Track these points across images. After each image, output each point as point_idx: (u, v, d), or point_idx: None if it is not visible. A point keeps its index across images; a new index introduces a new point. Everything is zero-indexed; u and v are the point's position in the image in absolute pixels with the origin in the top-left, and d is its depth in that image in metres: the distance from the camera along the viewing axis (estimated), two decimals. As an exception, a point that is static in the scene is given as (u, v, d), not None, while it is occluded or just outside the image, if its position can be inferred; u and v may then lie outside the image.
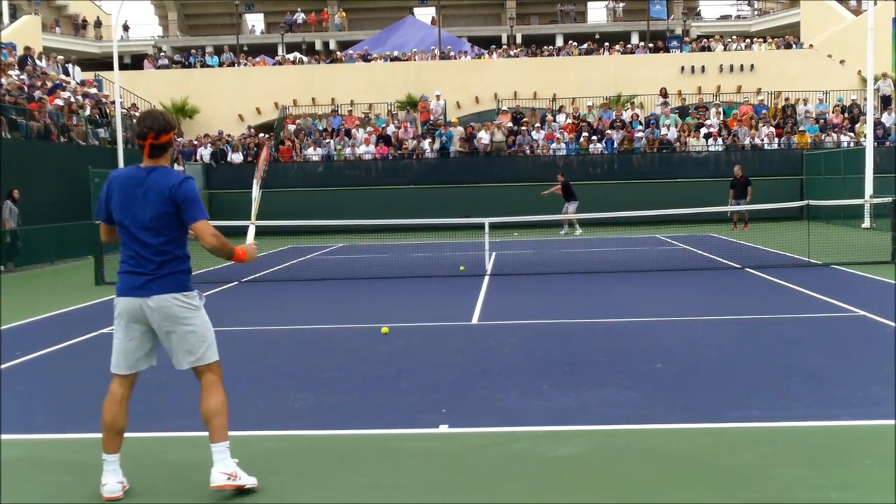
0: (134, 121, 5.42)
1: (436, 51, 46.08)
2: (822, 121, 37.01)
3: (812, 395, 7.71)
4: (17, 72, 29.71)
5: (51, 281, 20.21)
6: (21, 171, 23.53)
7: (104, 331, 12.26)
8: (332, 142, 36.68)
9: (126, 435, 7.03)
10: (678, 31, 56.17)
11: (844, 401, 7.45)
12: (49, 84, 30.50)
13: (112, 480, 5.53)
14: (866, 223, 26.81)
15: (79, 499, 5.67)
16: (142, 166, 5.52)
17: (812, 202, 22.23)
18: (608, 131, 36.00)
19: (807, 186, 33.24)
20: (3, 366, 9.99)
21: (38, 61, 33.05)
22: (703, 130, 36.31)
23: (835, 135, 35.85)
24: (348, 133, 37.17)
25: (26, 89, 27.71)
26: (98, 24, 59.34)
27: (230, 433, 5.58)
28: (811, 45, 44.80)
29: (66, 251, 24.37)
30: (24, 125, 24.90)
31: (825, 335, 10.76)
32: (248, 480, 5.50)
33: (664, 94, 39.19)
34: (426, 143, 35.80)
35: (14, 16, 47.82)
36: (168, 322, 5.48)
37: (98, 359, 10.39)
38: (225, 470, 5.44)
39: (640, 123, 36.92)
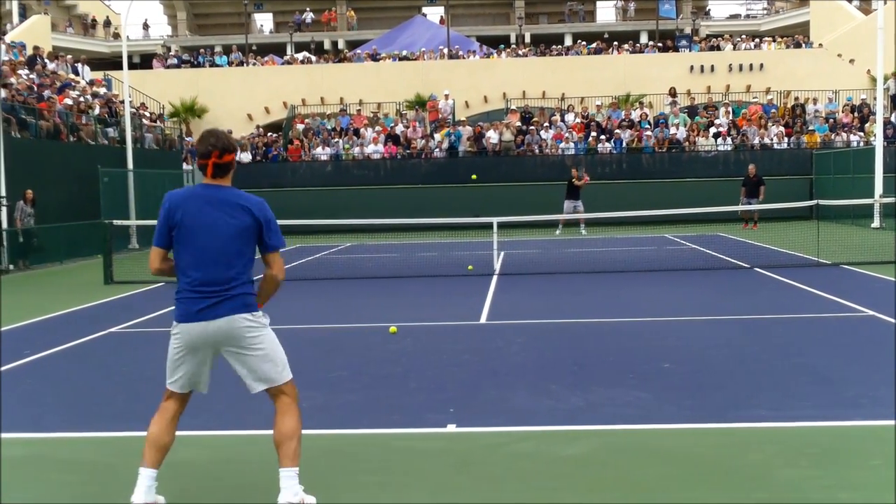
0: (196, 140, 5.43)
1: (444, 50, 46.08)
2: (831, 120, 36.92)
3: (821, 396, 7.69)
4: (27, 71, 29.77)
5: (60, 280, 20.25)
6: (31, 171, 23.59)
7: (112, 330, 12.30)
8: (340, 141, 36.69)
9: (129, 434, 7.07)
10: (687, 30, 56.10)
11: (853, 401, 7.43)
12: (58, 83, 30.56)
13: (142, 497, 5.22)
14: (876, 223, 26.74)
15: (86, 497, 5.68)
16: (206, 185, 5.37)
17: (821, 202, 22.14)
18: (617, 131, 35.95)
19: (816, 186, 33.14)
20: (13, 364, 10.02)
21: (47, 61, 33.12)
22: (713, 130, 36.25)
23: (844, 134, 35.75)
24: (357, 132, 37.17)
25: (36, 89, 27.77)
26: (107, 23, 59.44)
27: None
28: (821, 45, 44.68)
29: (76, 250, 24.42)
30: (34, 125, 24.96)
31: (834, 335, 10.73)
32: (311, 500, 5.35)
33: (673, 93, 39.13)
34: (436, 140, 35.77)
35: (24, 15, 47.91)
36: (236, 344, 5.30)
37: (106, 357, 10.44)
38: (294, 500, 5.25)
39: (649, 123, 36.86)
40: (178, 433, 7.04)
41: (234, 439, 6.96)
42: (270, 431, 7.06)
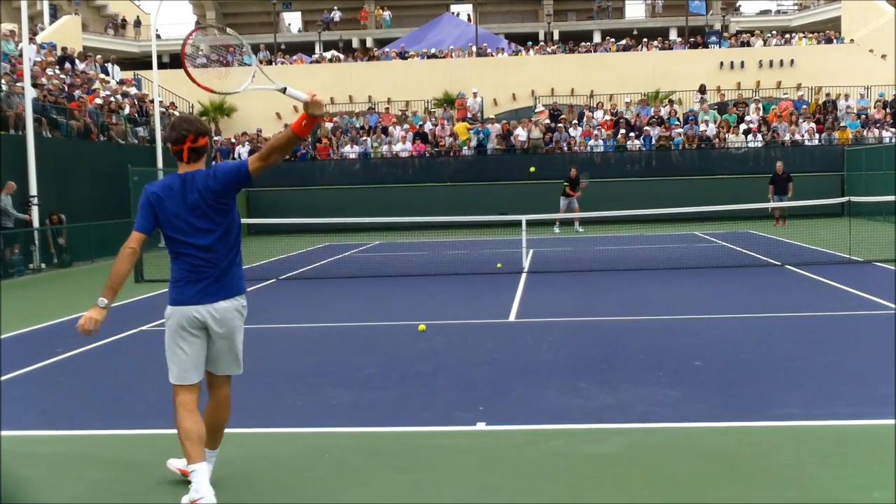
0: (167, 127, 5.34)
1: (473, 48, 46.05)
2: (863, 116, 36.60)
3: (853, 394, 7.62)
4: (57, 71, 30.02)
5: (91, 278, 20.38)
6: (61, 170, 23.80)
7: (144, 328, 12.38)
8: (368, 139, 36.75)
9: (163, 431, 7.10)
10: (717, 26, 55.79)
11: (886, 399, 7.36)
12: (89, 84, 30.80)
13: (208, 491, 5.20)
14: (909, 220, 26.48)
15: (120, 495, 5.72)
16: (182, 173, 5.49)
17: (853, 198, 21.94)
18: (646, 128, 35.80)
19: (848, 183, 32.87)
20: (47, 362, 10.12)
21: (77, 61, 33.38)
22: (743, 126, 36.03)
23: (876, 130, 35.43)
24: (385, 131, 37.22)
25: (66, 89, 27.99)
26: (138, 23, 59.78)
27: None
28: (852, 40, 44.32)
29: (106, 249, 24.56)
30: (65, 124, 25.16)
31: (867, 333, 10.63)
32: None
33: (703, 90, 38.92)
34: (455, 136, 35.75)
35: (54, 16, 48.27)
36: (228, 329, 5.49)
37: (138, 355, 10.51)
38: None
39: (679, 120, 36.70)
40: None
41: (266, 437, 6.98)
42: (300, 430, 7.10)
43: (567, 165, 32.48)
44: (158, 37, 43.87)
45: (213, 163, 5.32)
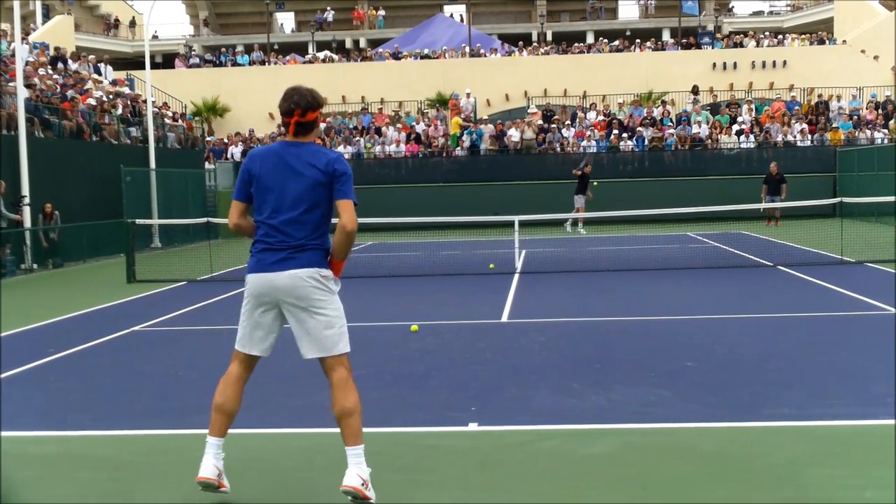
0: (281, 97, 5.24)
1: (466, 48, 46.10)
2: (855, 117, 36.69)
3: (846, 394, 7.63)
4: (50, 71, 29.95)
5: (83, 279, 20.36)
6: (54, 171, 23.73)
7: (136, 328, 12.36)
8: (362, 140, 36.75)
9: (154, 432, 7.09)
10: (710, 27, 55.89)
11: (879, 399, 7.37)
12: (81, 84, 30.72)
13: (210, 462, 5.28)
14: (900, 220, 26.53)
15: (112, 495, 5.71)
16: (287, 142, 5.38)
17: (845, 199, 21.99)
18: (639, 129, 35.84)
19: (840, 183, 32.94)
20: (38, 362, 10.09)
21: (69, 61, 33.31)
22: (735, 127, 36.09)
23: (868, 131, 35.52)
24: (378, 131, 37.22)
25: (59, 89, 27.93)
26: (133, 24, 59.70)
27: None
28: (844, 41, 44.43)
29: (99, 249, 24.55)
30: (57, 124, 25.10)
31: (859, 333, 10.65)
32: (372, 495, 5.21)
33: (696, 91, 38.97)
34: (448, 134, 35.78)
35: (47, 16, 48.19)
36: (300, 302, 5.22)
37: (131, 355, 10.49)
38: (362, 474, 5.18)
39: (672, 121, 36.75)
40: (202, 431, 7.06)
41: (259, 438, 6.96)
42: (294, 430, 7.08)
43: (563, 166, 32.59)
44: (155, 37, 43.94)
45: (343, 157, 5.16)
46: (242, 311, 5.40)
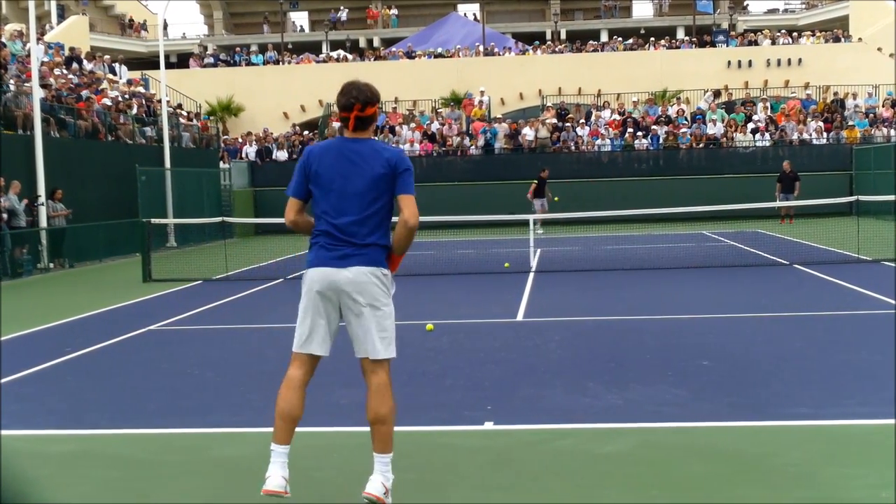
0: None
1: (480, 47, 46.05)
2: (871, 115, 36.52)
3: (862, 393, 7.59)
4: (65, 71, 30.07)
5: (99, 278, 20.44)
6: (69, 170, 23.83)
7: (152, 327, 12.39)
8: (376, 139, 36.71)
9: (171, 431, 7.12)
10: (724, 25, 55.68)
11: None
12: (96, 84, 30.83)
13: (277, 473, 5.08)
14: (917, 218, 26.40)
15: (128, 494, 5.72)
16: (346, 137, 5.30)
17: (861, 197, 21.89)
18: (653, 127, 35.76)
19: (856, 181, 32.81)
20: (55, 361, 10.14)
21: (84, 61, 33.43)
22: (751, 126, 35.97)
23: (885, 129, 35.35)
24: (392, 130, 37.23)
25: (74, 89, 28.03)
26: (144, 26, 59.84)
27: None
28: (860, 39, 44.23)
29: (115, 249, 24.64)
30: (72, 124, 25.20)
31: (875, 332, 10.59)
32: (389, 502, 5.15)
33: (717, 94, 38.83)
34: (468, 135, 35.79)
35: (62, 16, 48.37)
36: (362, 298, 5.12)
37: (147, 354, 10.52)
38: (386, 482, 5.11)
39: (686, 119, 36.65)
40: (218, 430, 7.13)
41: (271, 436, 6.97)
42: (308, 429, 7.08)
43: (578, 164, 32.55)
44: (165, 34, 44.01)
45: (402, 165, 5.11)
46: (301, 310, 5.29)
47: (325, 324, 5.24)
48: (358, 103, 5.21)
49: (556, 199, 27.68)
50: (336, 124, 37.75)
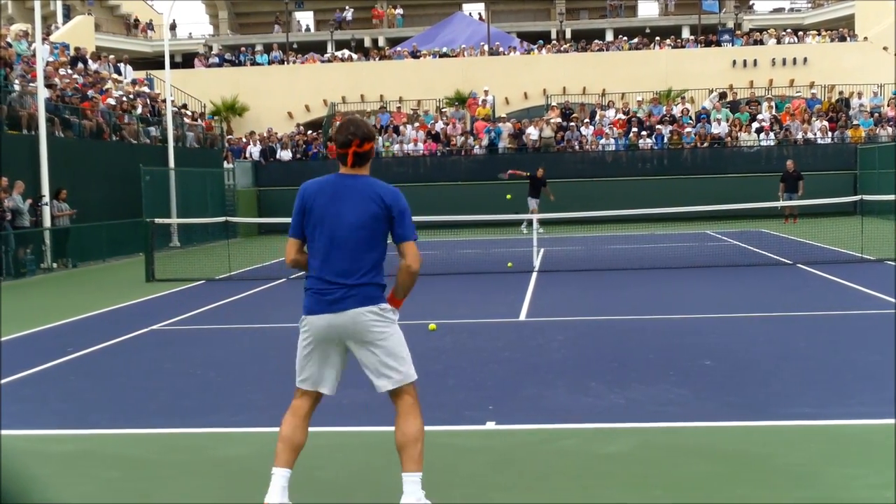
0: (333, 129, 5.14)
1: (485, 47, 46.04)
2: (876, 114, 36.47)
3: (865, 393, 7.58)
4: (70, 71, 30.10)
5: (102, 278, 20.45)
6: (74, 170, 23.86)
7: (154, 327, 12.40)
8: (380, 138, 36.76)
9: (174, 430, 7.12)
10: (730, 24, 55.64)
11: (899, 399, 7.32)
12: (101, 84, 30.87)
13: (277, 498, 5.08)
14: (922, 218, 26.34)
15: (130, 493, 5.72)
16: (342, 174, 5.24)
17: (866, 197, 21.84)
18: (658, 126, 35.73)
19: (861, 181, 32.75)
20: (58, 361, 10.15)
21: (89, 61, 33.47)
22: (755, 125, 35.93)
23: (889, 128, 35.30)
24: (397, 130, 37.24)
25: (79, 88, 28.07)
26: (150, 26, 59.87)
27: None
28: (865, 38, 44.16)
29: (118, 248, 24.66)
30: (77, 124, 25.22)
31: (879, 332, 10.56)
32: None
33: (724, 96, 38.78)
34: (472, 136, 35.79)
35: (67, 16, 48.43)
36: (364, 337, 5.15)
37: (149, 355, 10.53)
38: (418, 502, 5.11)
39: (691, 118, 36.62)
40: (220, 430, 7.13)
41: (275, 436, 6.97)
42: (311, 429, 7.07)
43: (582, 164, 32.51)
44: (173, 34, 44.06)
45: (399, 205, 5.09)
46: (302, 352, 5.30)
47: (319, 367, 5.28)
48: (356, 139, 5.17)
49: (551, 198, 27.72)
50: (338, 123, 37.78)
